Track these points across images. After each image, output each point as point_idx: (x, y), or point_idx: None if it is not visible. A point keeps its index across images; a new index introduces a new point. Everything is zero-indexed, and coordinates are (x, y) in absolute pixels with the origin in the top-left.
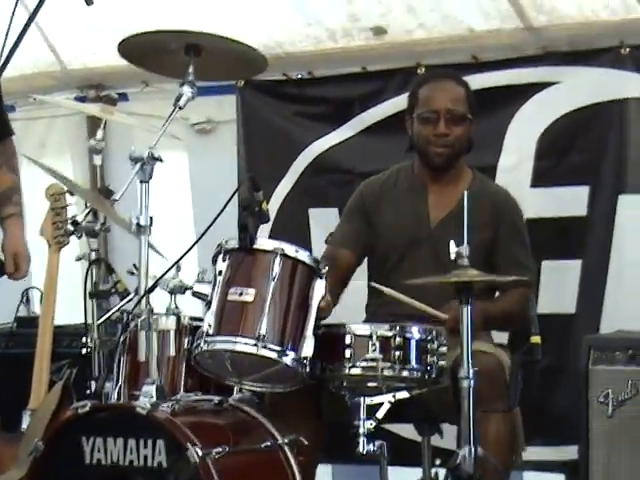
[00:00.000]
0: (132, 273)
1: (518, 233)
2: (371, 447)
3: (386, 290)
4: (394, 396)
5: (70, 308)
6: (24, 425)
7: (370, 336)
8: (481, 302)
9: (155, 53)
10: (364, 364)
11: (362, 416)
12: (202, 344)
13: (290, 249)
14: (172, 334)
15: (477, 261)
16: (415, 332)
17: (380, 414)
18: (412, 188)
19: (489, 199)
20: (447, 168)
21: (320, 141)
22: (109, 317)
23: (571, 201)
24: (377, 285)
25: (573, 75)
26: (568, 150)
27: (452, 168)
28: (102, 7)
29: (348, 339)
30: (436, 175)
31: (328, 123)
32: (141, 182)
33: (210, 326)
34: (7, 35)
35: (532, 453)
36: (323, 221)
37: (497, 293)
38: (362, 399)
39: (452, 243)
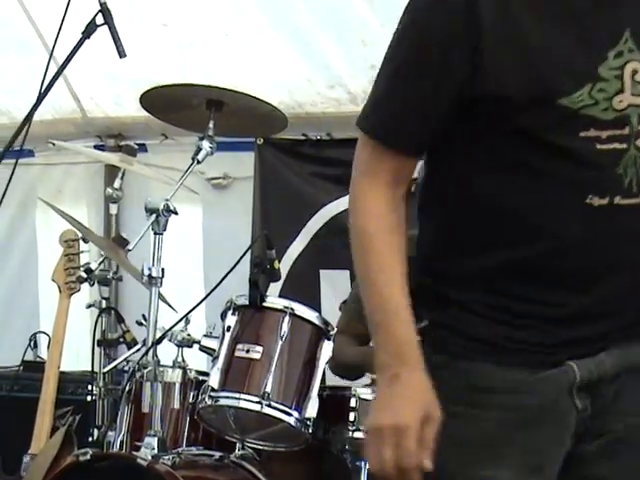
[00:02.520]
0: (141, 324)
1: None
2: None
3: None
4: None
5: (77, 355)
6: (24, 469)
7: None
8: None
9: (176, 106)
10: None
11: None
12: (207, 399)
13: (300, 309)
14: (177, 387)
15: None
16: None
17: None
18: None
19: None
20: None
21: (335, 203)
22: (115, 366)
23: None
24: None
25: None
26: None
27: None
28: (126, 58)
29: (353, 402)
30: None
31: (344, 185)
32: (155, 234)
33: (215, 381)
34: (40, 91)
35: None
36: (334, 282)
37: None
38: (364, 463)
39: None
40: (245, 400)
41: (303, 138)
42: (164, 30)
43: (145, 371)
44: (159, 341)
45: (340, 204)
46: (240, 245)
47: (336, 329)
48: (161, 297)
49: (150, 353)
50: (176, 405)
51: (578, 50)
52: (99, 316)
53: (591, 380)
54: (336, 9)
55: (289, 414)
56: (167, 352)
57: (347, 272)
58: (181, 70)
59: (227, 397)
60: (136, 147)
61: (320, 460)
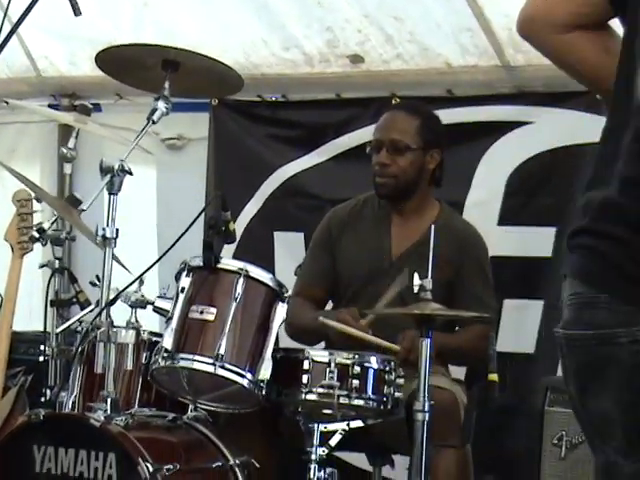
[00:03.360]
0: (94, 284)
1: (481, 270)
2: (322, 474)
3: (335, 324)
4: (348, 424)
5: (29, 315)
6: None
7: (328, 363)
8: (438, 333)
9: (132, 66)
10: (320, 390)
11: (315, 442)
12: (160, 360)
13: (254, 270)
14: (130, 348)
15: (437, 295)
16: (374, 362)
17: (333, 442)
18: (376, 219)
19: (454, 234)
20: (398, 199)
21: (290, 165)
22: (68, 327)
23: (537, 242)
24: (326, 320)
25: (547, 116)
26: (537, 191)
27: (408, 200)
28: (82, 17)
29: (306, 364)
30: (398, 207)
31: (299, 147)
32: (110, 194)
33: (169, 343)
34: None
35: None
36: (288, 245)
37: (457, 329)
38: (316, 425)
39: (416, 276)
40: (198, 361)
41: (258, 99)
42: None
43: (98, 332)
44: (112, 302)
45: (295, 166)
46: (194, 206)
47: (291, 292)
48: (115, 258)
49: (103, 314)
50: (129, 366)
51: None
52: (52, 276)
53: None
54: None
55: (242, 376)
56: (120, 313)
57: (302, 234)
58: (136, 30)
59: (180, 358)
60: (91, 107)
61: (273, 422)
